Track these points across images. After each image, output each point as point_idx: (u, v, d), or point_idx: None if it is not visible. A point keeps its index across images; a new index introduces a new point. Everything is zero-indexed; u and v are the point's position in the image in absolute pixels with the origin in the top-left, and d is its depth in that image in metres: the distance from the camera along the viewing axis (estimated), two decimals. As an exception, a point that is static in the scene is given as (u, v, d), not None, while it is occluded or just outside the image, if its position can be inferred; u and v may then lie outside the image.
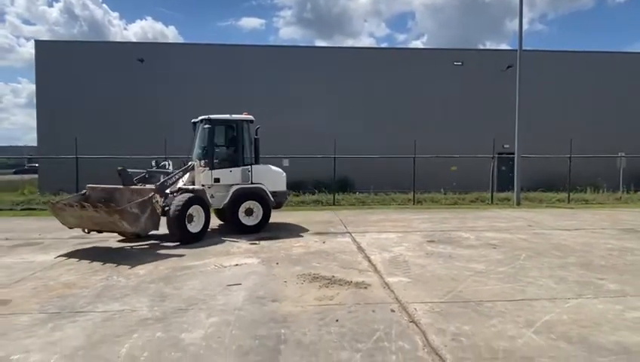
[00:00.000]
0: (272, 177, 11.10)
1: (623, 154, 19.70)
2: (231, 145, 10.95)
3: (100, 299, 5.61)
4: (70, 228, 9.17)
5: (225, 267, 7.20)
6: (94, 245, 9.21)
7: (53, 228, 11.61)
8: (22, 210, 15.88)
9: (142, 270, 7.00)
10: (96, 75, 23.97)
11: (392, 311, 5.13)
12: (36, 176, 35.90)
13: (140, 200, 8.47)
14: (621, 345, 4.22)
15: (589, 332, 4.50)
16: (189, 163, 10.47)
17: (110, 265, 7.39)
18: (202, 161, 10.44)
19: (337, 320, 4.81)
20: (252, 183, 10.62)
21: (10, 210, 15.77)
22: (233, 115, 10.92)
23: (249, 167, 10.72)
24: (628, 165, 19.80)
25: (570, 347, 4.16)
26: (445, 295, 5.74)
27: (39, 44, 25.04)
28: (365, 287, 6.08)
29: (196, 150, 10.93)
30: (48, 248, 8.93)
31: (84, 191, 9.81)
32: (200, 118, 10.77)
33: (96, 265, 7.45)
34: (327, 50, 27.63)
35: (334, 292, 5.87)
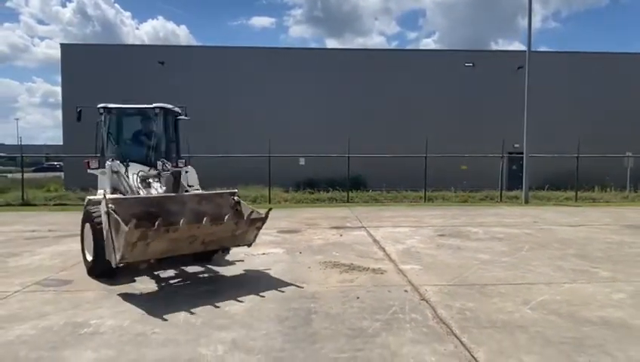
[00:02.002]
0: None
1: (631, 154, 20.13)
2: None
3: (149, 281, 6.43)
4: (141, 266, 5.84)
5: (254, 256, 7.99)
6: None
7: (89, 221, 12.55)
8: (54, 205, 16.90)
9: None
10: (119, 77, 24.96)
11: (406, 291, 5.88)
12: (56, 173, 37.35)
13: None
14: (604, 319, 4.91)
15: (577, 309, 5.19)
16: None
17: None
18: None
19: (358, 298, 5.58)
20: None
21: (45, 205, 16.80)
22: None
23: None
24: (635, 164, 20.22)
25: (560, 319, 4.87)
26: (453, 279, 6.46)
27: (65, 47, 26.15)
28: (381, 273, 6.83)
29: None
30: (90, 239, 9.81)
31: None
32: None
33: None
34: (340, 51, 28.34)
35: (354, 276, 6.64)
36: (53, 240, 9.65)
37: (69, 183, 22.58)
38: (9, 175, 31.81)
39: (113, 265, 5.59)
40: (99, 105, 8.20)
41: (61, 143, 26.93)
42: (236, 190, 7.18)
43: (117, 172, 7.27)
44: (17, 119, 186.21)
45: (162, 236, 5.48)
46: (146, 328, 4.63)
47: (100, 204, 5.92)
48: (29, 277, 6.60)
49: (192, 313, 5.03)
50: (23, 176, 18.47)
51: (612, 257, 7.94)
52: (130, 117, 8.48)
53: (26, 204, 17.04)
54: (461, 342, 4.28)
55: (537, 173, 20.13)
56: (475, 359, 3.96)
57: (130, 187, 6.98)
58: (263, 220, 6.49)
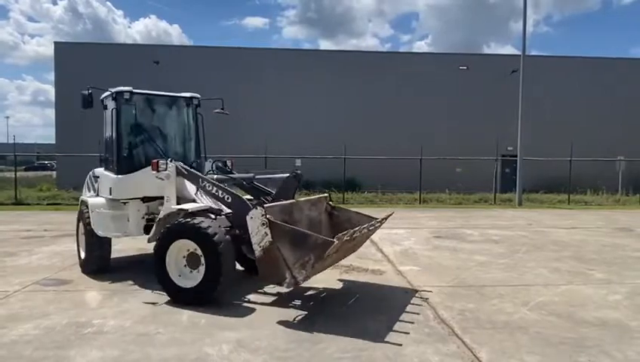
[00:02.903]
0: None
1: (622, 158, 20.41)
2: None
3: (151, 280, 6.42)
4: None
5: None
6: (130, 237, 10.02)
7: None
8: (48, 204, 16.78)
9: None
10: (113, 76, 24.76)
11: (406, 292, 5.94)
12: (48, 173, 37.05)
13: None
14: (601, 320, 5.00)
15: (575, 310, 5.28)
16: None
17: (149, 253, 8.19)
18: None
19: (359, 298, 5.63)
20: None
21: (38, 204, 16.68)
22: None
23: None
24: (627, 168, 20.50)
25: (559, 320, 4.95)
26: (452, 280, 6.53)
27: (58, 46, 25.99)
28: (381, 274, 6.89)
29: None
30: (87, 238, 9.76)
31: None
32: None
33: (137, 254, 8.27)
34: (335, 53, 28.42)
35: (354, 277, 6.70)
36: (51, 240, 9.60)
37: (62, 183, 22.44)
38: None
39: (286, 286, 4.99)
40: (120, 90, 6.54)
41: (53, 142, 26.80)
42: (327, 194, 6.98)
43: (188, 175, 6.08)
44: (7, 117, 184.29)
45: (342, 246, 5.09)
46: (150, 328, 4.64)
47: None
48: (29, 277, 6.57)
49: (195, 312, 5.05)
50: (16, 175, 18.31)
51: (606, 259, 8.06)
52: (159, 107, 7.02)
53: (19, 203, 16.91)
54: (463, 343, 4.34)
55: (531, 176, 20.33)
56: (477, 359, 4.02)
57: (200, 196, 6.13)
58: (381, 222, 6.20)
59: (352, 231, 5.10)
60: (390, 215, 5.99)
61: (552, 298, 5.77)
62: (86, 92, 6.54)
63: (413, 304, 5.46)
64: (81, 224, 6.89)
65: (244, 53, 25.91)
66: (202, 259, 5.21)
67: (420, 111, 25.21)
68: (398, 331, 4.59)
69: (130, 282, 6.33)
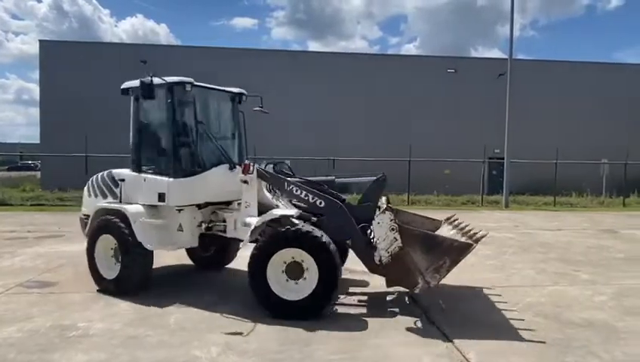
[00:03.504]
0: None
1: (606, 161, 20.75)
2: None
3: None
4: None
5: (238, 258, 7.95)
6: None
7: (69, 222, 12.27)
8: (32, 205, 16.49)
9: (168, 260, 7.72)
10: (99, 76, 24.51)
11: (397, 293, 5.94)
12: (31, 173, 36.46)
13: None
14: (588, 320, 5.06)
15: (562, 311, 5.34)
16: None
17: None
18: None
19: (351, 299, 5.62)
20: None
21: (21, 205, 16.38)
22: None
23: None
24: (611, 171, 20.85)
25: (546, 321, 5.00)
26: (441, 281, 6.53)
27: (43, 44, 25.60)
28: (370, 276, 6.86)
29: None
30: (72, 240, 9.59)
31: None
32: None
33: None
34: (324, 55, 28.45)
35: (345, 277, 6.62)
36: (34, 241, 9.43)
37: (46, 183, 22.08)
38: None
39: (417, 290, 4.87)
40: (181, 80, 5.79)
41: (37, 141, 26.38)
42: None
43: (270, 178, 5.70)
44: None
45: None
46: (138, 331, 4.57)
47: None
48: (12, 279, 6.43)
49: (184, 315, 4.99)
50: (-2, 175, 17.95)
51: (592, 261, 8.17)
52: (214, 101, 6.39)
53: (1, 203, 16.56)
54: (452, 343, 4.35)
55: (517, 179, 20.54)
56: (466, 359, 4.04)
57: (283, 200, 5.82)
58: None
59: (479, 234, 5.08)
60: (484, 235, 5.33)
61: (539, 299, 5.83)
62: (148, 79, 5.47)
63: (404, 305, 5.46)
64: (106, 237, 5.70)
65: (233, 54, 25.79)
66: (309, 270, 4.86)
67: (408, 113, 25.33)
68: (387, 333, 4.59)
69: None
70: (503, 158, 18.66)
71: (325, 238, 4.85)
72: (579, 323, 4.95)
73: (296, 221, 5.08)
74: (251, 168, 5.51)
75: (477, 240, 4.94)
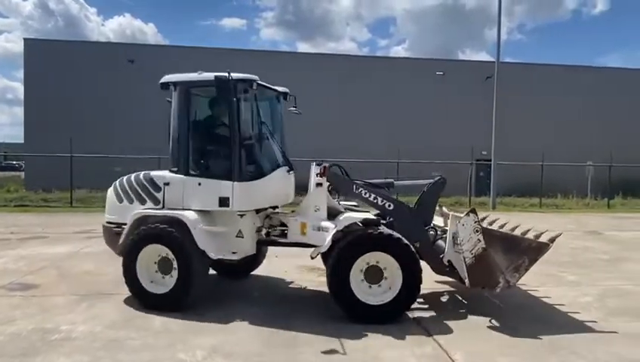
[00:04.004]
0: None
1: (591, 163, 21.05)
2: None
3: (122, 284, 6.24)
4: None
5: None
6: (99, 239, 9.76)
7: (53, 223, 12.15)
8: (15, 206, 16.21)
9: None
10: (86, 75, 24.23)
11: (383, 295, 5.93)
12: (15, 173, 35.84)
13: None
14: (573, 321, 5.13)
15: (548, 312, 5.41)
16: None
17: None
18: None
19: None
20: None
21: (5, 206, 16.08)
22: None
23: None
24: (596, 174, 21.15)
25: (532, 322, 5.04)
26: (428, 283, 6.54)
27: (28, 42, 25.23)
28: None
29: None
30: (56, 241, 9.46)
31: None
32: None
33: (108, 257, 8.02)
34: (313, 56, 28.47)
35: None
36: (17, 243, 9.25)
37: (30, 184, 21.75)
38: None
39: (499, 290, 4.96)
40: (247, 77, 5.26)
41: (21, 141, 25.96)
42: None
43: (339, 181, 5.60)
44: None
45: None
46: (121, 334, 4.51)
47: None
48: (-7, 281, 6.31)
49: (168, 318, 4.92)
50: (-19, 175, 17.63)
51: (577, 262, 8.26)
52: (268, 101, 6.07)
53: (-16, 204, 16.28)
54: (439, 345, 4.36)
55: (504, 180, 20.73)
56: (452, 360, 4.04)
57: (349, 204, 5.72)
58: None
59: (554, 234, 5.29)
60: (559, 235, 5.54)
61: (525, 300, 5.87)
62: (224, 75, 5.03)
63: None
64: (153, 248, 5.14)
65: (222, 54, 25.66)
66: (391, 274, 4.85)
67: (397, 115, 25.43)
68: (375, 334, 4.58)
69: (101, 287, 6.14)
70: (491, 160, 18.83)
71: (406, 241, 4.86)
72: (564, 324, 4.99)
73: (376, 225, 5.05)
74: (328, 171, 5.37)
75: (552, 240, 5.16)
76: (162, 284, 5.15)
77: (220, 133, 5.48)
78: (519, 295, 6.02)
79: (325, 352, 4.15)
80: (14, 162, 52.44)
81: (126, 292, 5.79)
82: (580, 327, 4.90)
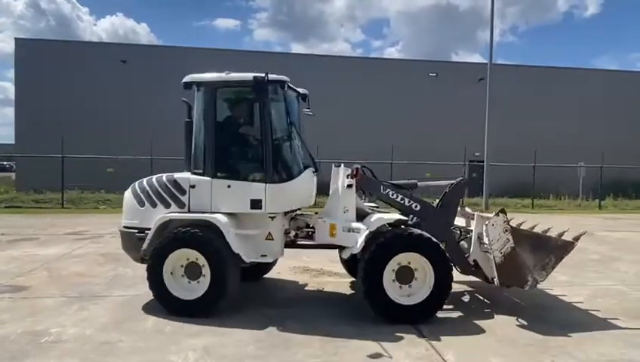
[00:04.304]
0: None
1: (583, 164, 21.23)
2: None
3: (113, 286, 6.21)
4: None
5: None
6: (91, 241, 9.70)
7: (45, 225, 12.05)
8: (6, 207, 16.05)
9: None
10: (77, 75, 24.05)
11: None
12: (6, 174, 35.48)
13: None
14: (565, 321, 5.14)
15: (540, 312, 5.43)
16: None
17: (113, 258, 7.93)
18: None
19: (329, 302, 5.59)
20: None
21: (-5, 207, 15.92)
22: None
23: None
24: (587, 175, 21.33)
25: (525, 322, 5.06)
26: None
27: (19, 42, 25.01)
28: (350, 277, 6.86)
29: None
30: (47, 243, 9.38)
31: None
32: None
33: (100, 258, 7.99)
34: (307, 57, 28.47)
35: (324, 281, 6.68)
36: (7, 245, 9.15)
37: (21, 185, 21.54)
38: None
39: (527, 287, 5.17)
40: (280, 78, 5.29)
41: (11, 142, 25.71)
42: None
43: (367, 182, 5.58)
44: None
45: None
46: (112, 336, 4.46)
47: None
48: (-18, 284, 6.23)
49: (160, 319, 4.89)
50: (-29, 176, 17.44)
51: (569, 262, 8.17)
52: (295, 102, 5.84)
53: (-26, 205, 16.12)
54: (432, 346, 4.36)
55: (497, 181, 20.84)
56: (444, 360, 4.05)
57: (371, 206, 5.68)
58: None
59: (578, 233, 5.56)
60: (583, 233, 5.73)
61: (517, 300, 5.89)
62: (263, 76, 5.03)
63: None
64: (182, 252, 4.97)
65: (216, 55, 25.58)
66: (423, 274, 4.89)
67: (390, 116, 25.49)
68: (367, 335, 4.57)
69: (92, 289, 6.09)
70: (483, 161, 18.92)
71: (439, 242, 4.93)
72: (556, 324, 5.01)
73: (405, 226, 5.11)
74: (359, 173, 5.36)
75: (577, 239, 5.38)
76: (189, 290, 5.00)
77: (251, 134, 5.39)
78: (511, 295, 6.04)
79: (319, 353, 4.14)
80: (5, 163, 51.94)
81: (117, 295, 5.78)
82: (571, 327, 4.92)
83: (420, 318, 4.87)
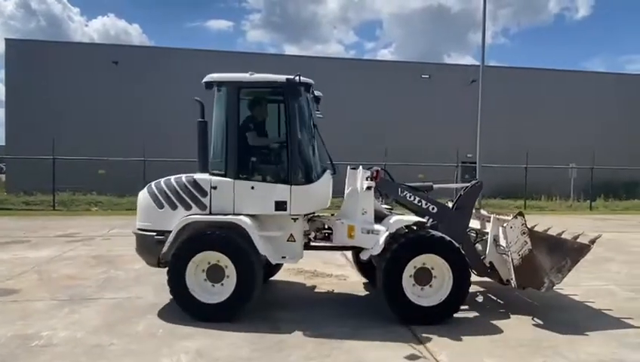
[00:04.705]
0: None
1: (574, 165, 21.41)
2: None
3: (105, 289, 6.16)
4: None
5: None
6: (82, 243, 9.62)
7: (35, 227, 11.93)
8: (-4, 209, 15.86)
9: (137, 264, 7.52)
10: (69, 76, 23.86)
11: (369, 297, 5.94)
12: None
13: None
14: (558, 321, 5.15)
15: (534, 312, 5.44)
16: None
17: (104, 260, 7.88)
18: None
19: (323, 304, 5.58)
20: None
21: (-16, 209, 15.73)
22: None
23: None
24: (578, 176, 21.51)
25: (518, 322, 5.10)
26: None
27: (10, 43, 24.78)
28: (344, 279, 6.90)
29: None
30: (38, 245, 9.28)
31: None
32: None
33: (91, 260, 7.92)
34: (300, 58, 28.45)
35: (318, 282, 6.67)
36: (-3, 247, 9.05)
37: (12, 186, 21.31)
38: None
39: (544, 289, 5.22)
40: (308, 81, 5.39)
41: (1, 143, 25.48)
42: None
43: (385, 184, 5.64)
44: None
45: None
46: (103, 339, 4.42)
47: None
48: (-29, 287, 6.15)
49: (152, 321, 4.85)
50: (-40, 178, 17.24)
51: None
52: (311, 104, 5.69)
53: (-37, 208, 15.92)
54: (425, 347, 4.37)
55: (489, 183, 20.92)
56: (437, 361, 4.06)
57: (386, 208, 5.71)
58: None
59: (594, 236, 5.49)
60: (598, 237, 5.65)
61: (510, 300, 5.92)
62: (295, 78, 5.06)
63: (375, 309, 5.44)
64: (206, 255, 4.90)
65: (209, 56, 25.49)
66: (441, 276, 4.91)
67: (384, 118, 25.55)
68: (361, 336, 4.57)
69: (83, 291, 6.03)
70: (476, 163, 19.01)
71: (458, 244, 4.97)
72: (549, 324, 5.04)
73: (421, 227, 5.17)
74: (380, 175, 5.38)
75: (593, 242, 5.36)
76: (212, 293, 4.91)
77: (275, 135, 5.46)
78: (506, 296, 6.07)
79: (312, 355, 4.12)
80: (-4, 164, 51.43)
81: (109, 297, 5.73)
82: (564, 327, 4.95)
83: (438, 319, 4.89)
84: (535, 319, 5.21)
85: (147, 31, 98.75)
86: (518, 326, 4.94)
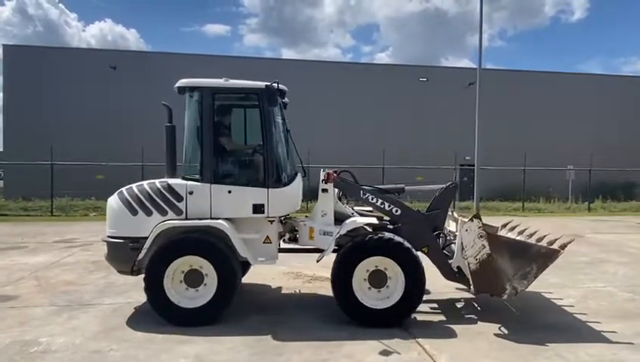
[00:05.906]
0: None
1: (572, 167, 21.45)
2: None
3: (104, 294, 6.15)
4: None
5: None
6: (81, 249, 9.60)
7: (33, 233, 11.90)
8: (-7, 215, 15.82)
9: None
10: (66, 81, 23.86)
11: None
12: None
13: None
14: (556, 323, 5.19)
15: (532, 314, 5.46)
16: None
17: (103, 266, 7.84)
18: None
19: (322, 308, 5.58)
20: None
21: (-18, 215, 15.69)
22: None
23: None
24: (576, 178, 21.55)
25: (516, 324, 5.08)
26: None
27: (7, 49, 24.79)
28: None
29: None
30: (36, 251, 9.26)
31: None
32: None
33: (90, 266, 7.91)
34: (297, 62, 28.51)
35: (317, 286, 6.65)
36: (-5, 253, 9.03)
37: (9, 192, 21.28)
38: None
39: (506, 296, 4.97)
40: (283, 88, 5.63)
41: (0, 149, 25.46)
42: None
43: (345, 186, 5.66)
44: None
45: None
46: (102, 345, 4.42)
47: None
48: (-31, 293, 6.13)
49: (151, 326, 4.84)
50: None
51: (559, 264, 8.26)
52: (282, 109, 5.79)
53: (-39, 214, 15.87)
54: (424, 349, 4.37)
55: (488, 185, 20.99)
56: (438, 365, 4.06)
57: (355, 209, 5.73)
58: None
59: (566, 241, 5.14)
60: (571, 241, 5.39)
61: (509, 302, 5.90)
62: (274, 85, 5.24)
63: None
64: (185, 260, 4.90)
65: (206, 61, 25.54)
66: (394, 279, 4.91)
67: (381, 121, 25.61)
68: (360, 340, 4.57)
69: (81, 297, 6.02)
70: (474, 165, 19.04)
71: (412, 247, 4.92)
72: (548, 326, 5.05)
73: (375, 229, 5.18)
74: (332, 177, 5.42)
75: (563, 247, 5.00)
76: (191, 298, 4.92)
77: (251, 140, 5.54)
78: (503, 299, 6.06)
79: (311, 359, 4.12)
80: (-7, 170, 51.32)
81: (107, 303, 5.72)
82: (563, 329, 4.96)
83: (392, 323, 4.87)
84: (534, 321, 5.21)
85: (144, 36, 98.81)
86: (517, 328, 4.94)
